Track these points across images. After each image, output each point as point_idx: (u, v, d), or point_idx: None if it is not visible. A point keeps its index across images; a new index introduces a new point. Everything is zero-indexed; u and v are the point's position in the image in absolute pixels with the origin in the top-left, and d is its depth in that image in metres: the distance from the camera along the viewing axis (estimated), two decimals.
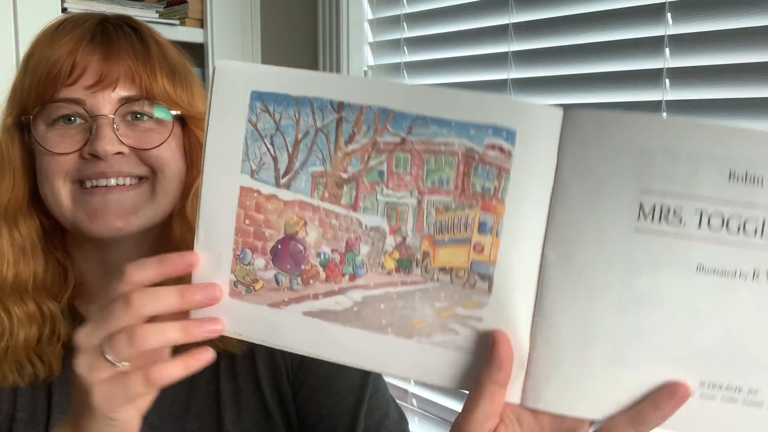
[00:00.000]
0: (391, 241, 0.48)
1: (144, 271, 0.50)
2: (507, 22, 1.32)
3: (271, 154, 0.49)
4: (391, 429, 0.73)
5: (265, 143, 0.49)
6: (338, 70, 1.62)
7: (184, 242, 0.70)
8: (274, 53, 1.83)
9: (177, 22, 1.75)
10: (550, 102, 1.25)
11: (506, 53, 1.33)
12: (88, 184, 0.68)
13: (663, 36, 1.09)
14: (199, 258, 0.50)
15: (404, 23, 1.55)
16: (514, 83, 1.32)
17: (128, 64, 0.69)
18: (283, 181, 0.49)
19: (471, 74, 1.41)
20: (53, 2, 1.46)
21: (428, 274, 0.48)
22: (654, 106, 1.12)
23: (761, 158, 0.42)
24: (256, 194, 0.49)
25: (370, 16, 1.63)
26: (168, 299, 0.49)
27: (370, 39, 1.64)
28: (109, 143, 0.66)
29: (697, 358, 0.45)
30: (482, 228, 0.47)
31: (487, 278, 0.47)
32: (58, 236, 0.74)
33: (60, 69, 0.66)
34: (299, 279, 0.49)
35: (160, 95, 0.70)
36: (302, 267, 0.49)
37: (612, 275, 0.45)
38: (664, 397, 0.46)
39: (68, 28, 0.70)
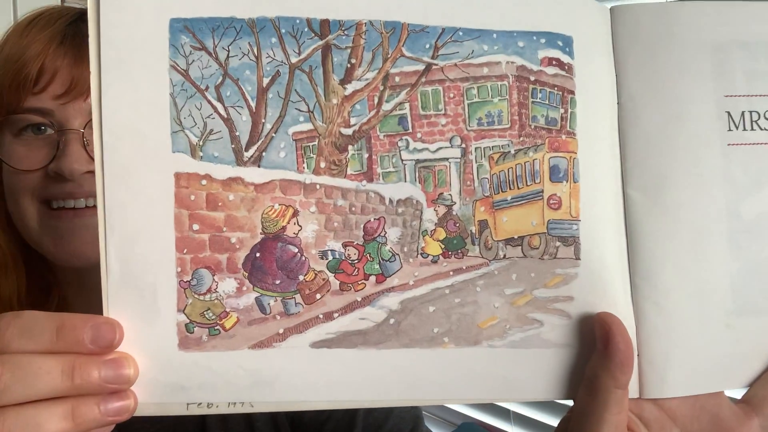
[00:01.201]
0: (431, 216, 0.34)
1: (28, 340, 0.33)
2: None
3: (221, 116, 0.32)
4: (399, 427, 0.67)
5: (207, 99, 0.32)
6: None
7: None
8: None
9: None
10: None
11: None
12: (55, 204, 0.59)
13: None
14: (118, 328, 0.32)
15: None
16: None
17: None
18: (248, 154, 0.33)
19: None
20: (53, 1, 1.45)
21: (491, 251, 0.35)
22: None
23: None
24: (204, 181, 0.32)
25: None
26: (46, 382, 0.32)
27: None
28: (76, 162, 0.58)
29: None
30: (555, 174, 0.35)
31: (572, 241, 0.35)
32: (36, 257, 0.64)
33: (27, 74, 0.59)
34: (298, 297, 0.33)
35: None
36: (300, 278, 0.33)
37: (714, 205, 0.36)
38: None
39: (40, 25, 0.63)
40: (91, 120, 0.60)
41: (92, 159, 0.57)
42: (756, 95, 0.36)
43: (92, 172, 0.57)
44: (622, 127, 0.36)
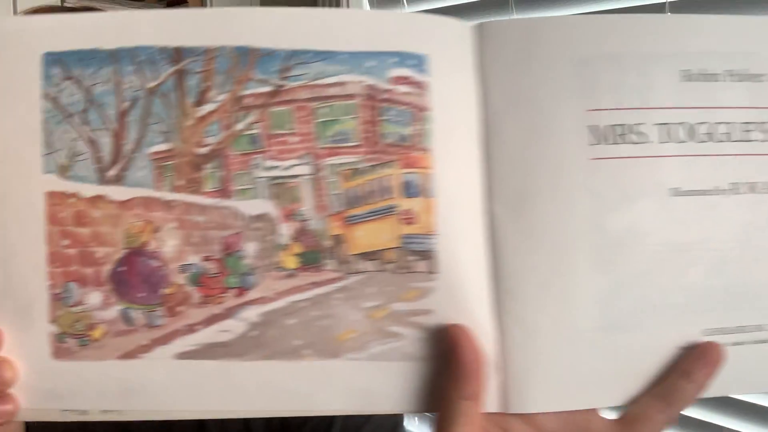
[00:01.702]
0: (286, 231, 0.35)
1: None
2: None
3: (86, 139, 0.35)
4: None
5: (74, 124, 0.35)
6: None
7: None
8: None
9: None
10: None
11: None
12: None
13: None
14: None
15: None
16: None
17: None
18: (110, 173, 0.35)
19: None
20: (54, 1, 1.46)
21: (346, 265, 0.36)
22: None
23: (714, 50, 0.37)
24: (73, 199, 0.35)
25: None
26: None
27: None
28: None
29: (694, 302, 0.37)
30: (408, 189, 0.36)
31: (428, 255, 0.35)
32: None
33: None
34: (162, 309, 0.35)
35: None
36: (162, 291, 0.35)
37: (579, 221, 0.36)
38: (695, 362, 0.37)
39: None
40: None
41: None
42: (623, 108, 0.36)
43: None
44: (487, 143, 0.36)
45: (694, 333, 0.37)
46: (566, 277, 0.36)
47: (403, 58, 0.35)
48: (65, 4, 1.58)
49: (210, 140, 0.35)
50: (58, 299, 0.35)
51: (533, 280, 0.36)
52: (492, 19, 0.36)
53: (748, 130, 0.37)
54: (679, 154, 0.36)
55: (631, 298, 0.37)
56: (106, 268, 0.35)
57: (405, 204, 0.35)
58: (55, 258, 0.34)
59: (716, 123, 0.37)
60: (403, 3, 1.63)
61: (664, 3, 1.09)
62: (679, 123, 0.36)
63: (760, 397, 1.00)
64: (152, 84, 0.35)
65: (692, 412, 1.05)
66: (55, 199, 0.35)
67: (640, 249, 0.36)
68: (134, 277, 0.35)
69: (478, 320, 0.35)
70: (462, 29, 0.36)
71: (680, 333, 0.37)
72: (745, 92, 0.37)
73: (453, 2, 1.48)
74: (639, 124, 0.36)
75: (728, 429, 1.00)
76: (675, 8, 1.08)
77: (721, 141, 0.37)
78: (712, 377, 0.36)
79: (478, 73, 0.36)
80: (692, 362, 0.37)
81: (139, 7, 1.72)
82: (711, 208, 0.37)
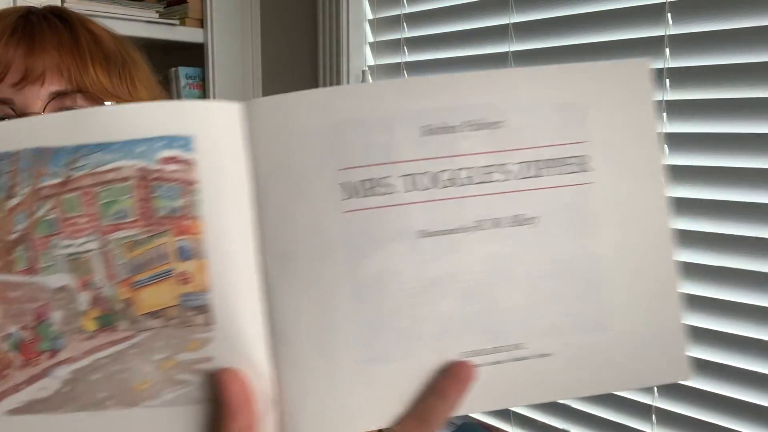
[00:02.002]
0: (84, 298, 0.40)
1: None
2: (507, 22, 1.32)
3: None
4: None
5: None
6: (338, 71, 1.62)
7: None
8: (273, 54, 1.83)
9: (177, 22, 1.75)
10: None
11: (506, 53, 1.33)
12: None
13: (663, 36, 1.09)
14: None
15: (404, 23, 1.55)
16: None
17: (54, 57, 0.64)
18: None
19: None
20: (53, 1, 1.46)
21: (136, 324, 0.40)
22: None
23: (448, 107, 0.41)
24: None
25: (370, 16, 1.63)
26: None
27: (370, 39, 1.64)
28: None
29: (449, 329, 0.42)
30: (182, 254, 0.40)
31: (203, 309, 0.40)
32: None
33: None
34: None
35: (94, 86, 0.65)
36: None
37: (338, 267, 0.41)
38: (447, 382, 0.41)
39: None
40: (50, 102, 0.63)
41: None
42: (370, 165, 0.41)
43: None
44: (258, 207, 0.41)
45: (453, 357, 0.42)
46: (330, 318, 0.41)
47: (170, 140, 0.40)
48: (65, 4, 1.58)
49: (18, 227, 0.41)
50: None
51: (302, 323, 0.41)
52: (258, 98, 0.42)
53: (489, 173, 0.42)
54: (423, 201, 0.41)
55: (391, 331, 0.42)
56: None
57: (180, 267, 0.40)
58: None
59: (458, 169, 0.41)
60: (403, 3, 1.63)
61: (664, 3, 1.09)
62: (423, 173, 0.41)
63: (760, 397, 1.00)
64: None
65: (692, 411, 1.06)
66: None
67: (395, 287, 0.41)
68: None
69: (255, 363, 0.41)
70: (230, 109, 0.41)
71: (440, 358, 0.42)
72: (483, 139, 0.42)
73: (453, 2, 1.48)
74: (385, 177, 0.41)
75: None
76: (675, 8, 1.08)
77: (464, 185, 0.42)
78: (464, 395, 0.41)
79: (247, 146, 0.41)
80: (444, 382, 0.41)
81: (138, 8, 1.72)
82: (458, 244, 0.42)
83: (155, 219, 0.40)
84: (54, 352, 0.40)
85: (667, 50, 1.08)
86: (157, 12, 1.72)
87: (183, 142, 0.40)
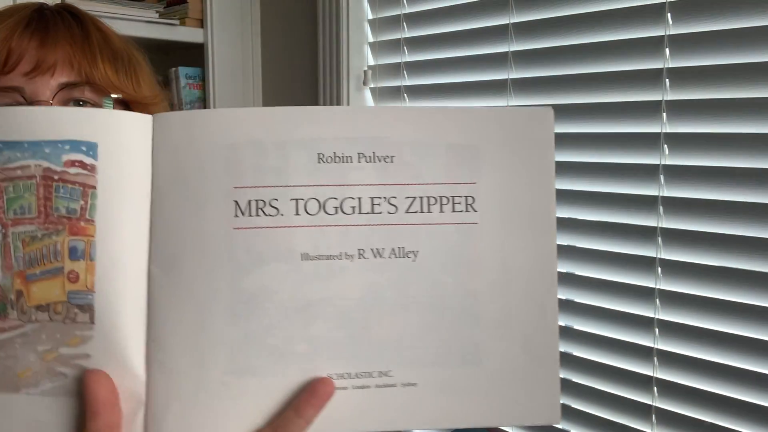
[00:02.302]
0: None
1: None
2: (507, 22, 1.32)
3: None
4: None
5: None
6: (338, 71, 1.62)
7: None
8: (273, 54, 1.83)
9: (177, 22, 1.75)
10: (550, 102, 1.26)
11: (506, 53, 1.33)
12: None
13: (663, 36, 1.08)
14: None
15: (404, 23, 1.55)
16: (514, 83, 1.32)
17: (66, 50, 0.67)
18: None
19: (471, 74, 1.41)
20: (53, 1, 1.45)
21: (25, 315, 0.42)
22: (654, 107, 1.11)
23: (346, 137, 0.43)
24: None
25: (370, 16, 1.63)
26: None
27: (370, 39, 1.64)
28: None
29: (319, 350, 0.44)
30: (73, 254, 0.42)
31: (87, 308, 0.42)
32: None
33: None
34: None
35: (102, 80, 0.68)
36: None
37: (219, 280, 0.43)
38: (304, 398, 0.43)
39: (7, 15, 0.69)
40: (59, 92, 0.66)
41: None
42: (262, 186, 0.43)
43: None
44: (152, 215, 0.43)
45: (319, 376, 0.44)
46: (204, 328, 0.43)
47: (76, 145, 0.42)
48: (66, 1, 1.57)
49: None
50: None
51: (178, 331, 0.43)
52: (166, 113, 0.44)
53: (377, 204, 0.44)
54: (309, 225, 0.44)
55: (262, 347, 0.43)
56: None
57: (71, 265, 0.42)
58: None
59: (346, 198, 0.44)
60: (403, 3, 1.62)
61: (664, 3, 1.09)
62: (312, 198, 0.44)
63: (760, 397, 1.00)
64: None
65: (692, 411, 1.05)
66: None
67: (270, 305, 0.43)
68: None
69: (130, 364, 0.43)
70: (140, 120, 0.43)
71: (305, 377, 0.44)
72: (374, 171, 0.44)
73: (453, 2, 1.47)
74: (275, 199, 0.43)
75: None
76: (675, 8, 1.08)
77: (350, 214, 0.44)
78: (319, 411, 0.43)
79: (151, 157, 0.43)
80: (302, 397, 0.43)
81: (138, 8, 1.72)
82: (338, 270, 0.44)
83: (53, 218, 0.42)
84: None
85: (667, 50, 1.08)
86: (157, 12, 1.72)
87: (87, 147, 0.42)
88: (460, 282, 0.45)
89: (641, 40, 1.11)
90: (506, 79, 1.32)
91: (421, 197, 0.44)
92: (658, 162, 1.11)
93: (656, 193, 1.11)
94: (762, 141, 1.00)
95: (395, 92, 1.57)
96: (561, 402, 1.29)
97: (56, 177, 0.42)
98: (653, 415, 1.14)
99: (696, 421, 1.09)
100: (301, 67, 1.73)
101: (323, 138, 0.43)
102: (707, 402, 1.07)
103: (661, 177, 1.11)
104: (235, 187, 0.43)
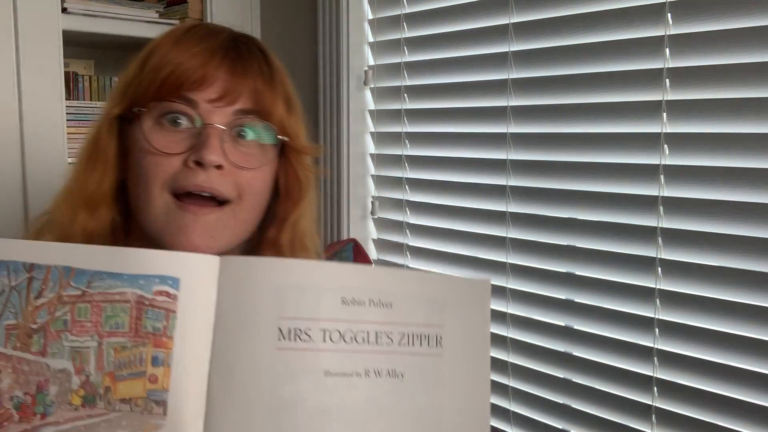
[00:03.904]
0: (76, 381, 0.54)
1: None
2: (507, 22, 1.32)
3: None
4: None
5: None
6: (338, 71, 1.62)
7: None
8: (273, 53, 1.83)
9: (177, 22, 1.75)
10: (549, 102, 1.25)
11: (506, 53, 1.33)
12: (183, 196, 0.69)
13: (663, 36, 1.08)
14: None
15: (404, 23, 1.55)
16: (514, 83, 1.32)
17: (254, 84, 0.70)
18: None
19: (471, 74, 1.41)
20: (53, 1, 1.46)
21: (111, 406, 0.54)
22: (654, 106, 1.12)
23: (361, 288, 0.57)
24: None
25: (370, 16, 1.63)
26: None
27: (370, 39, 1.64)
28: (215, 153, 0.67)
29: None
30: (155, 361, 0.55)
31: (162, 403, 0.54)
32: (122, 234, 0.75)
33: (189, 77, 0.67)
34: None
35: (276, 119, 0.72)
36: None
37: (261, 388, 0.54)
38: None
39: (199, 36, 0.71)
40: (231, 119, 0.71)
41: (226, 155, 0.69)
42: (300, 318, 0.56)
43: (221, 168, 0.71)
44: (215, 335, 0.55)
45: None
46: (249, 424, 0.54)
47: (164, 279, 0.55)
48: (65, 5, 1.58)
49: (39, 320, 0.54)
50: None
51: (228, 424, 0.54)
52: (231, 257, 0.58)
53: (380, 336, 0.57)
54: (333, 350, 0.56)
55: None
56: None
57: (152, 370, 0.55)
58: None
59: (359, 331, 0.57)
60: (403, 3, 1.62)
61: (664, 3, 1.09)
62: (336, 329, 0.56)
63: (760, 397, 1.00)
64: (14, 283, 0.55)
65: (692, 411, 1.06)
66: None
67: (299, 410, 0.55)
68: None
69: None
70: (209, 261, 0.56)
71: None
72: (379, 313, 0.58)
73: (453, 2, 1.47)
74: (309, 329, 0.56)
75: None
76: (675, 8, 1.08)
77: (361, 343, 0.57)
78: None
79: (216, 289, 0.56)
80: None
81: (138, 8, 1.72)
82: (351, 385, 0.56)
83: (141, 333, 0.55)
84: (45, 415, 0.53)
85: (667, 50, 1.08)
86: (157, 12, 1.72)
87: (172, 281, 0.55)
88: (433, 398, 0.59)
89: (641, 40, 1.11)
90: (506, 79, 1.32)
91: (409, 333, 0.58)
92: (658, 162, 1.11)
93: (656, 193, 1.11)
94: (762, 141, 1.00)
95: (395, 92, 1.57)
96: (561, 402, 1.30)
97: (147, 302, 0.55)
98: (653, 415, 1.14)
99: (696, 421, 1.09)
100: (301, 67, 1.73)
101: (346, 287, 0.57)
102: (707, 402, 1.07)
103: (661, 177, 1.11)
104: (280, 317, 0.55)
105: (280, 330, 0.55)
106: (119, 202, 0.73)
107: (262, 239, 0.76)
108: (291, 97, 0.74)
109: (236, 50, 0.71)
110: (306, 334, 0.55)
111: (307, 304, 0.56)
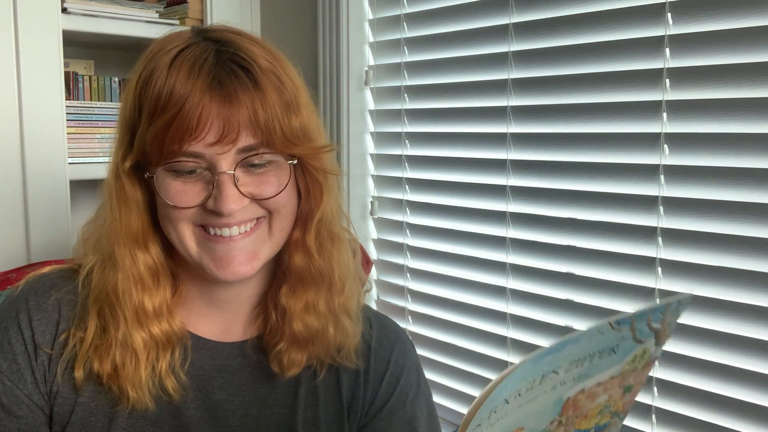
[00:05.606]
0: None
1: None
2: (507, 22, 1.32)
3: None
4: None
5: None
6: (338, 71, 1.62)
7: (309, 271, 0.76)
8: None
9: (177, 22, 1.75)
10: (549, 102, 1.25)
11: (506, 53, 1.33)
12: (212, 231, 0.71)
13: (663, 36, 1.08)
14: None
15: (404, 23, 1.55)
16: (514, 83, 1.32)
17: (247, 112, 0.68)
18: None
19: (471, 74, 1.41)
20: (53, 1, 1.46)
21: None
22: (654, 106, 1.12)
23: None
24: None
25: (370, 16, 1.63)
26: None
27: (370, 39, 1.64)
28: (232, 202, 0.69)
29: None
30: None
31: None
32: (172, 263, 0.77)
33: (187, 126, 0.67)
34: None
35: (278, 143, 0.70)
36: None
37: None
38: None
39: (188, 65, 0.68)
40: (238, 159, 0.71)
41: (242, 194, 0.71)
42: None
43: (244, 207, 0.72)
44: None
45: None
46: None
47: None
48: (65, 5, 1.57)
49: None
50: None
51: None
52: None
53: None
54: None
55: None
56: None
57: None
58: None
59: None
60: (403, 3, 1.62)
61: (664, 3, 1.09)
62: None
63: (760, 397, 1.00)
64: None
65: (692, 411, 1.06)
66: None
67: None
68: None
69: None
70: None
71: None
72: None
73: (453, 2, 1.47)
74: None
75: None
76: (675, 8, 1.08)
77: None
78: None
79: None
80: None
81: (138, 8, 1.72)
82: None
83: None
84: None
85: (667, 50, 1.08)
86: (157, 12, 1.72)
87: None
88: None
89: (641, 40, 1.11)
90: (506, 79, 1.32)
91: None
92: (658, 162, 1.11)
93: (656, 193, 1.11)
94: (762, 141, 1.00)
95: (395, 92, 1.57)
96: None
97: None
98: (653, 415, 1.14)
99: (696, 421, 1.09)
100: (301, 67, 1.73)
101: None
102: (707, 402, 1.07)
103: (661, 177, 1.11)
104: None
105: None
106: (160, 234, 0.75)
107: (289, 241, 0.77)
108: (291, 97, 0.72)
109: (221, 82, 0.68)
110: None
111: None
